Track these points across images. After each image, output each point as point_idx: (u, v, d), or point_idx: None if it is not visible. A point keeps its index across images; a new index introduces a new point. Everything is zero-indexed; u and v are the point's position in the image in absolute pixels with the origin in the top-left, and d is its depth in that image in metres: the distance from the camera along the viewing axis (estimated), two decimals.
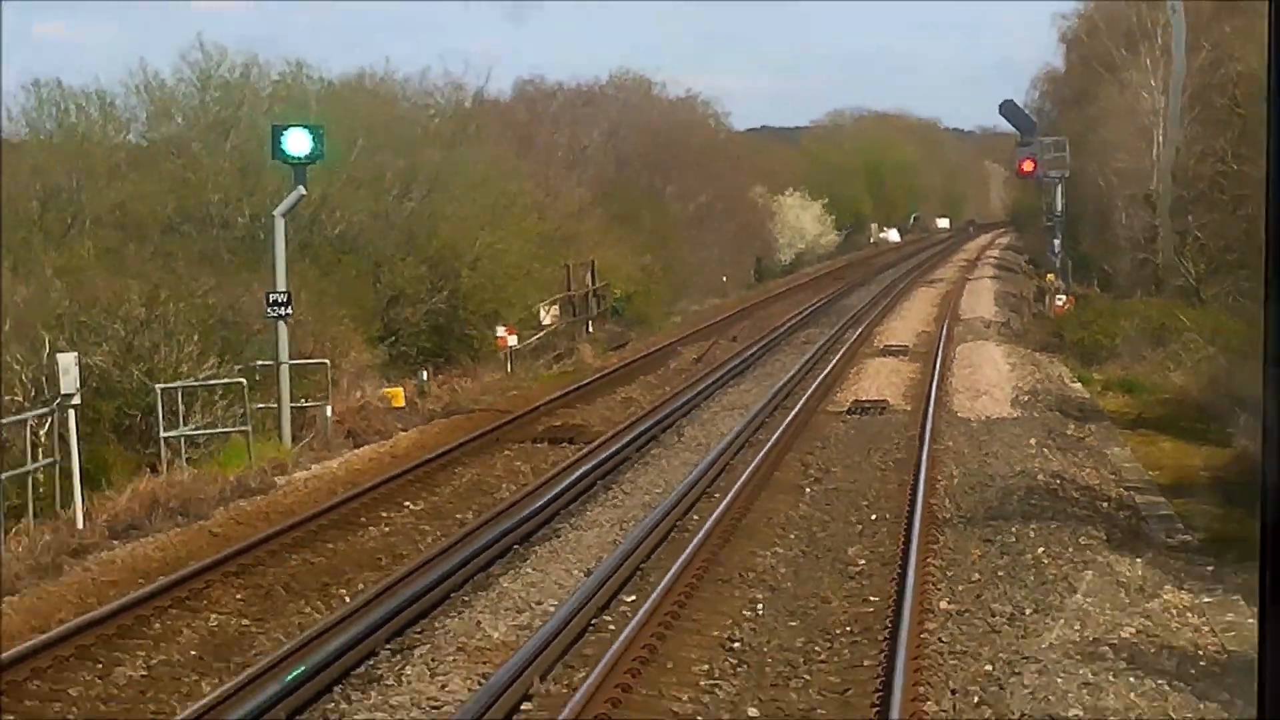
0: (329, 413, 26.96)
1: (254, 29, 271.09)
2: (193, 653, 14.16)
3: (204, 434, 24.49)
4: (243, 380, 24.49)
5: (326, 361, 27.46)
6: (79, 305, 26.20)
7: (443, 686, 12.23)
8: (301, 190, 26.76)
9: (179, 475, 22.32)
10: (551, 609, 14.31)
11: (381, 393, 29.57)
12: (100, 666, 13.68)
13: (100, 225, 34.77)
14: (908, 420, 26.68)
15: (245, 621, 15.16)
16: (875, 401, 28.96)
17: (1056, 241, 57.42)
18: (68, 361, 19.99)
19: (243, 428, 24.36)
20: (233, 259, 33.01)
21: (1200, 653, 12.91)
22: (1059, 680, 11.76)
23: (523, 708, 11.74)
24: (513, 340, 36.45)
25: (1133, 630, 13.39)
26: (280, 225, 26.45)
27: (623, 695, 11.85)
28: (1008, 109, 71.87)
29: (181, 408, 23.97)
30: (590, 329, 41.93)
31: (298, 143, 26.38)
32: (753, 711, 11.75)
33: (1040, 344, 39.43)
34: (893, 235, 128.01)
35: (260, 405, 25.87)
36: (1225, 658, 12.91)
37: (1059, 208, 57.06)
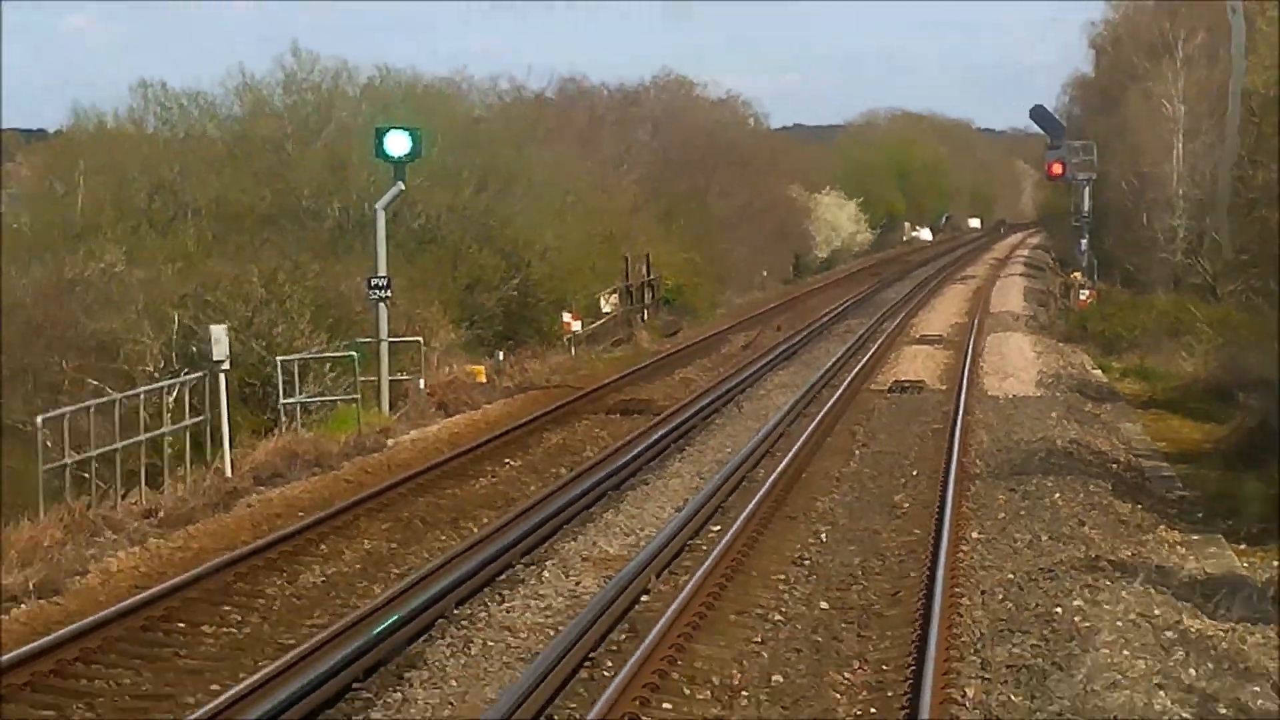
0: (422, 385, 30.13)
1: (255, 28, 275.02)
2: (357, 566, 17.29)
3: (316, 401, 27.61)
4: (354, 354, 27.63)
5: (420, 339, 30.65)
6: (203, 286, 29.41)
7: (577, 583, 15.38)
8: (401, 185, 29.91)
9: (299, 436, 25.48)
10: (653, 534, 17.42)
11: (466, 369, 32.72)
12: (286, 575, 16.81)
13: (200, 216, 38.04)
14: (942, 398, 29.74)
15: (393, 545, 18.28)
16: (913, 382, 32.03)
17: (1084, 241, 60.32)
18: (219, 332, 23.14)
19: (353, 396, 27.48)
20: (324, 248, 36.16)
21: (1182, 572, 15.94)
22: (1065, 583, 14.83)
23: (643, 599, 14.85)
24: (577, 326, 39.61)
25: (1128, 554, 16.44)
26: (381, 217, 29.56)
27: (720, 592, 14.95)
28: (1038, 113, 74.87)
29: (296, 379, 27.09)
30: (645, 317, 45.04)
31: (398, 143, 29.51)
32: (824, 604, 14.83)
33: (1064, 335, 42.44)
34: (925, 234, 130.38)
35: (360, 379, 29.00)
36: (1204, 577, 15.92)
37: (1086, 209, 60.01)
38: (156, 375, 27.61)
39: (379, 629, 13.85)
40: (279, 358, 26.96)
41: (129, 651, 14.02)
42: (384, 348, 29.13)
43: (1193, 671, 12.27)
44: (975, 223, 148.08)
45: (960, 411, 26.49)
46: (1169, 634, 13.24)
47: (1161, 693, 11.73)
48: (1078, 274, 56.32)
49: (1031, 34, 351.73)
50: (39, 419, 19.66)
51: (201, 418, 23.41)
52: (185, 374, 25.38)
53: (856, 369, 34.02)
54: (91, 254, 32.47)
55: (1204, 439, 26.05)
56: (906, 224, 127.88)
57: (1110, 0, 72.06)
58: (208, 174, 38.24)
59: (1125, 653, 12.74)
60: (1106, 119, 62.06)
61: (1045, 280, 64.67)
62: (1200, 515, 19.49)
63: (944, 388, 31.32)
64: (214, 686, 12.83)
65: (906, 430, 25.80)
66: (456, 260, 37.58)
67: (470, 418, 28.83)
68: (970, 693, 11.90)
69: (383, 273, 29.19)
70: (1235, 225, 45.60)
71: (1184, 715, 11.37)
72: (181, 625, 14.84)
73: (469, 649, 13.36)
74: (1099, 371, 35.86)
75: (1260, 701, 11.73)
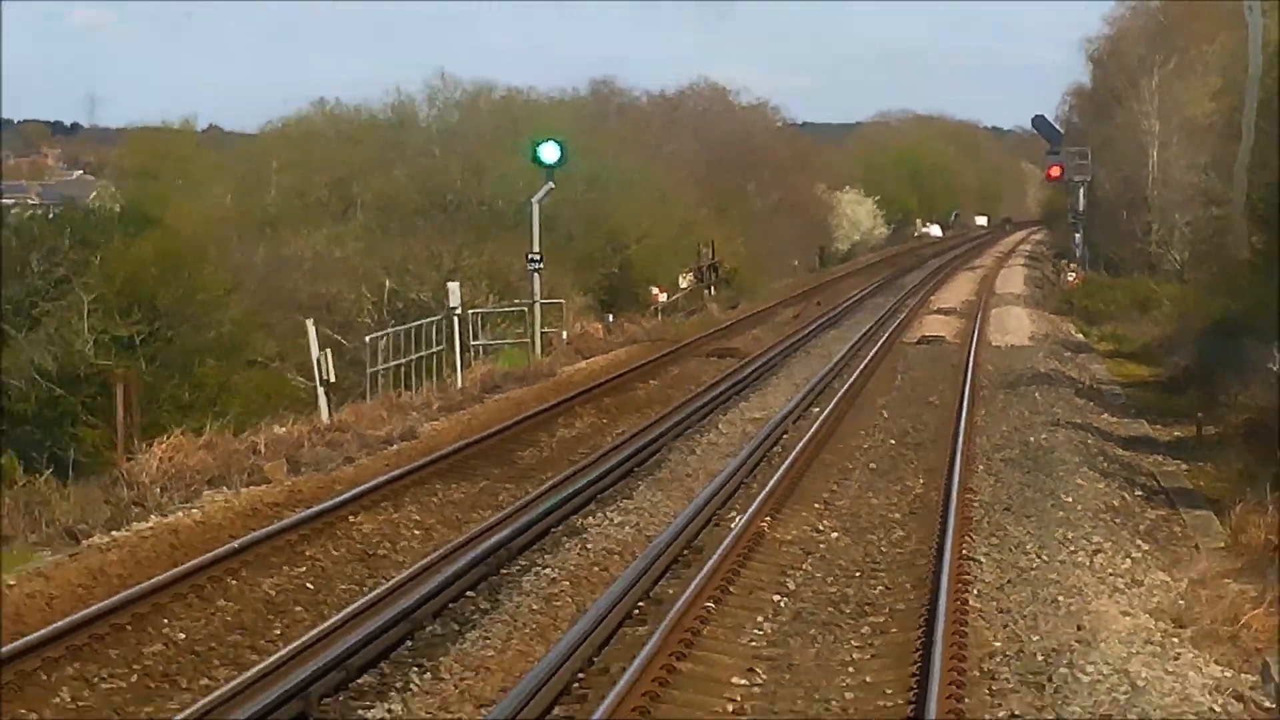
0: (565, 336, 39.89)
1: (256, 27, 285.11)
2: (588, 429, 26.94)
3: (492, 344, 37.33)
4: (524, 309, 37.41)
5: (563, 301, 40.43)
6: (405, 258, 39.21)
7: (742, 430, 25.14)
8: (551, 185, 39.61)
9: (490, 367, 35.15)
10: (778, 410, 27.13)
11: (589, 326, 42.48)
12: (546, 432, 26.41)
13: (367, 208, 47.85)
14: (958, 347, 39.47)
15: (604, 421, 27.94)
16: (936, 337, 41.79)
17: (1078, 235, 70.29)
18: (454, 288, 32.88)
19: (523, 340, 37.22)
20: (467, 234, 45.88)
21: (1111, 431, 25.69)
22: (1037, 430, 24.65)
23: (783, 437, 24.55)
24: (663, 297, 49.40)
25: (1079, 421, 26.20)
26: (536, 209, 39.25)
27: (829, 434, 24.64)
28: (1038, 122, 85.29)
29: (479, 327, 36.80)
30: (712, 292, 54.76)
31: (549, 152, 39.24)
32: (892, 442, 24.55)
33: (1055, 309, 52.21)
34: (934, 230, 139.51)
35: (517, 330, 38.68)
36: (1127, 434, 25.65)
37: (1081, 207, 69.92)
38: (371, 325, 37.40)
39: (629, 452, 23.48)
40: (470, 310, 36.69)
41: (481, 457, 23.56)
42: (538, 307, 38.88)
43: (1105, 456, 22.06)
44: (982, 220, 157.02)
45: (972, 353, 36.23)
46: (1095, 445, 23.03)
47: (1087, 468, 21.51)
48: (1074, 265, 66.12)
49: (1039, 32, 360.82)
50: (368, 338, 29.42)
51: (440, 347, 33.16)
52: (392, 325, 35.15)
53: (890, 329, 43.76)
54: (304, 236, 42.38)
55: (1148, 375, 35.75)
56: (918, 220, 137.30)
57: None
58: (372, 173, 48.05)
59: (1074, 461, 22.46)
60: (1100, 127, 71.69)
61: (1044, 269, 74.43)
62: (1133, 411, 29.19)
63: (958, 341, 41.05)
64: (527, 486, 21.99)
65: (933, 365, 35.58)
66: (570, 243, 47.25)
67: (604, 359, 38.50)
68: (982, 420, 21.65)
69: (537, 249, 38.95)
70: (1198, 221, 55.29)
71: (1093, 471, 21.11)
72: (504, 449, 24.44)
73: (695, 450, 23.16)
74: (1080, 335, 45.54)
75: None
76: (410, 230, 44.80)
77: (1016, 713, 11.52)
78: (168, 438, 22.76)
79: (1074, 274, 58.25)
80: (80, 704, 12.58)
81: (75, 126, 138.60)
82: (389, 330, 31.17)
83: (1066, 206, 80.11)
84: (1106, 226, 68.24)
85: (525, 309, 37.64)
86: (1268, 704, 12.35)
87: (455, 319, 33.17)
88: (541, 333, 39.13)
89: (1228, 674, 12.82)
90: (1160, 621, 14.18)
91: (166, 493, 20.40)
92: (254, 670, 12.81)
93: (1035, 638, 13.37)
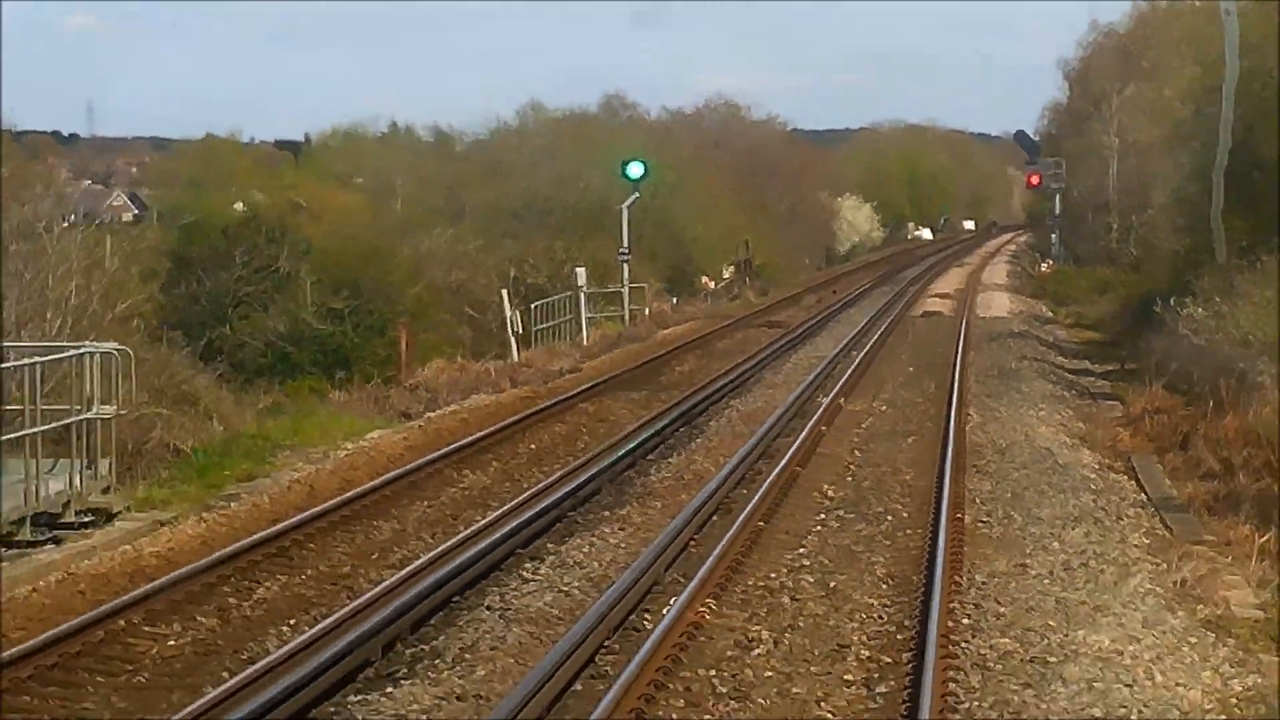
0: (646, 311, 51.30)
1: (255, 26, 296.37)
2: (696, 367, 38.20)
3: (594, 317, 48.67)
4: (622, 290, 48.76)
5: (645, 285, 51.82)
6: (524, 251, 50.55)
7: (809, 366, 36.56)
8: (637, 194, 51.01)
9: (597, 332, 46.47)
10: (825, 355, 38.49)
11: (662, 305, 53.88)
12: (670, 365, 37.68)
13: (474, 213, 59.21)
14: (953, 319, 50.92)
15: (705, 362, 39.22)
16: (935, 312, 53.28)
17: (1055, 235, 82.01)
18: (581, 271, 44.19)
19: (620, 313, 48.58)
20: (557, 233, 57.20)
21: (1062, 365, 37.14)
22: (1011, 364, 36.14)
23: (832, 370, 35.94)
24: (712, 285, 60.81)
25: (1040, 359, 37.65)
26: (625, 214, 50.64)
27: (864, 370, 36.02)
28: (1019, 137, 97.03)
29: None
30: (748, 282, 66.20)
31: (635, 169, 50.68)
32: (911, 369, 35.95)
33: (1031, 293, 63.75)
34: (926, 234, 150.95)
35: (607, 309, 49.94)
36: (1073, 368, 37.10)
37: (1058, 211, 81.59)
38: (496, 302, 48.71)
39: (735, 375, 34.76)
40: (581, 291, 48.00)
41: (632, 381, 34.74)
42: (627, 290, 50.27)
43: (1056, 376, 33.54)
44: (970, 224, 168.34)
45: (964, 322, 47.67)
46: (1049, 370, 34.52)
47: (1041, 380, 32.98)
48: (1050, 262, 77.72)
49: (1027, 40, 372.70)
50: (534, 305, 40.80)
51: (569, 316, 44.49)
52: (516, 303, 46.46)
53: (898, 308, 55.22)
54: (439, 234, 53.67)
55: (1097, 338, 47.20)
56: (911, 224, 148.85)
57: None
58: (478, 183, 59.46)
59: (1034, 376, 33.86)
60: (1073, 140, 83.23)
61: (1023, 263, 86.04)
62: (1080, 356, 40.63)
63: (953, 315, 52.50)
64: (674, 393, 33.32)
65: (935, 329, 47.03)
66: (640, 240, 58.59)
67: (680, 329, 49.82)
68: (973, 358, 33.12)
69: (625, 246, 50.36)
70: (1151, 220, 66.75)
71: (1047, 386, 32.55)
72: (645, 378, 35.68)
73: (779, 373, 34.59)
74: (1049, 312, 57.04)
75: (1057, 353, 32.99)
76: (510, 232, 56.14)
77: (992, 463, 22.89)
78: (425, 368, 34.18)
79: (1046, 265, 69.76)
80: (484, 477, 23.75)
81: (74, 136, 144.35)
82: (544, 300, 42.59)
83: (1046, 211, 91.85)
84: (1076, 226, 79.86)
85: (619, 290, 49.00)
86: (1126, 477, 23.61)
87: (582, 295, 44.51)
88: (629, 309, 50.55)
89: (1103, 459, 24.15)
90: (1073, 438, 25.59)
91: (449, 394, 31.74)
92: (572, 464, 24.05)
93: (1001, 440, 24.81)
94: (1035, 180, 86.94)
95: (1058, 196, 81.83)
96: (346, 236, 44.56)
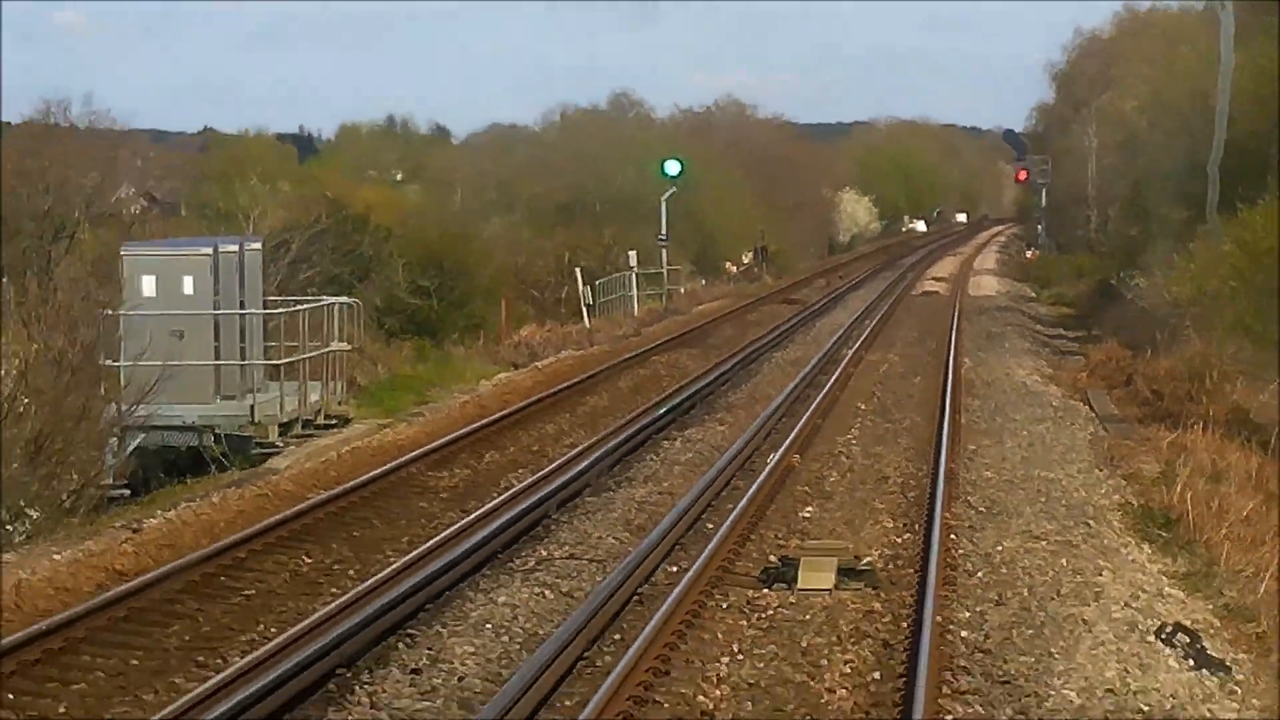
0: (682, 290, 59.01)
1: (246, 25, 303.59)
2: (735, 333, 45.88)
3: (638, 294, 56.33)
4: (662, 270, 56.44)
5: (680, 267, 59.52)
6: (576, 237, 58.19)
7: (835, 326, 44.31)
8: (673, 188, 58.67)
9: (641, 307, 54.14)
10: (843, 322, 46.22)
11: (694, 285, 61.58)
12: (711, 331, 45.39)
13: (522, 208, 66.84)
14: (948, 297, 58.68)
15: (741, 331, 46.90)
16: (932, 292, 61.08)
17: (1040, 226, 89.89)
18: (633, 254, 51.85)
19: (659, 292, 56.26)
20: (600, 223, 64.81)
21: (1040, 331, 44.91)
22: (996, 331, 43.90)
23: (855, 330, 43.67)
24: (733, 269, 68.52)
25: (1022, 329, 45.40)
26: (664, 206, 58.32)
27: (879, 332, 43.75)
28: (1008, 136, 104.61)
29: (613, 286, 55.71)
30: (765, 267, 73.91)
31: (673, 166, 58.41)
32: (915, 334, 43.68)
33: (1017, 277, 71.59)
34: (920, 226, 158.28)
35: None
36: (1049, 333, 44.85)
37: (1044, 204, 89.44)
38: (554, 283, 56.44)
39: (771, 338, 42.42)
40: (627, 273, 55.67)
41: (688, 343, 42.34)
42: (665, 271, 57.98)
43: (1034, 338, 41.35)
44: (962, 217, 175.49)
45: (958, 300, 55.41)
46: (1029, 333, 42.31)
47: (1021, 339, 40.76)
48: (1035, 251, 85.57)
49: (1018, 34, 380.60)
50: (597, 282, 48.45)
51: (620, 293, 52.17)
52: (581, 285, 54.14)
53: (899, 289, 62.97)
54: (492, 224, 61.32)
55: (1071, 313, 54.99)
56: (906, 217, 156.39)
57: None
58: (528, 178, 67.10)
59: (1016, 339, 41.61)
60: (1058, 138, 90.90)
61: (1012, 253, 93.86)
62: (1056, 325, 48.37)
63: (948, 295, 60.27)
64: (724, 352, 40.91)
65: (933, 304, 54.82)
66: (673, 229, 66.24)
67: (712, 305, 57.48)
68: (966, 325, 40.91)
69: (664, 233, 58.06)
70: (1122, 213, 74.56)
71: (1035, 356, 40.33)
72: (697, 340, 43.29)
73: (809, 335, 42.33)
74: (1032, 293, 64.85)
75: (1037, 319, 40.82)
76: (558, 222, 63.75)
77: (980, 391, 30.60)
78: (521, 330, 41.91)
79: (1031, 252, 77.62)
80: (601, 400, 31.33)
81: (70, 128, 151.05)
82: (604, 279, 50.30)
83: (1034, 205, 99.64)
84: (1060, 218, 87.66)
85: (659, 271, 56.65)
86: (1082, 403, 31.24)
87: (633, 274, 52.19)
88: (668, 288, 58.24)
89: (1065, 392, 31.81)
90: (1043, 379, 33.32)
91: (544, 350, 39.39)
92: (666, 392, 31.65)
93: (988, 378, 32.58)
94: (1023, 176, 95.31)
95: (1044, 191, 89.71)
96: (428, 224, 52.13)
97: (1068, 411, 28.64)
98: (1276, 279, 31.59)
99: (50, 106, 58.06)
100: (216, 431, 25.10)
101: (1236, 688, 12.63)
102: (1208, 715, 11.90)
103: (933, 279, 70.62)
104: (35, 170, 51.67)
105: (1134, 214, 47.25)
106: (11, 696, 12.46)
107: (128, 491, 23.41)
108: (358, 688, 12.14)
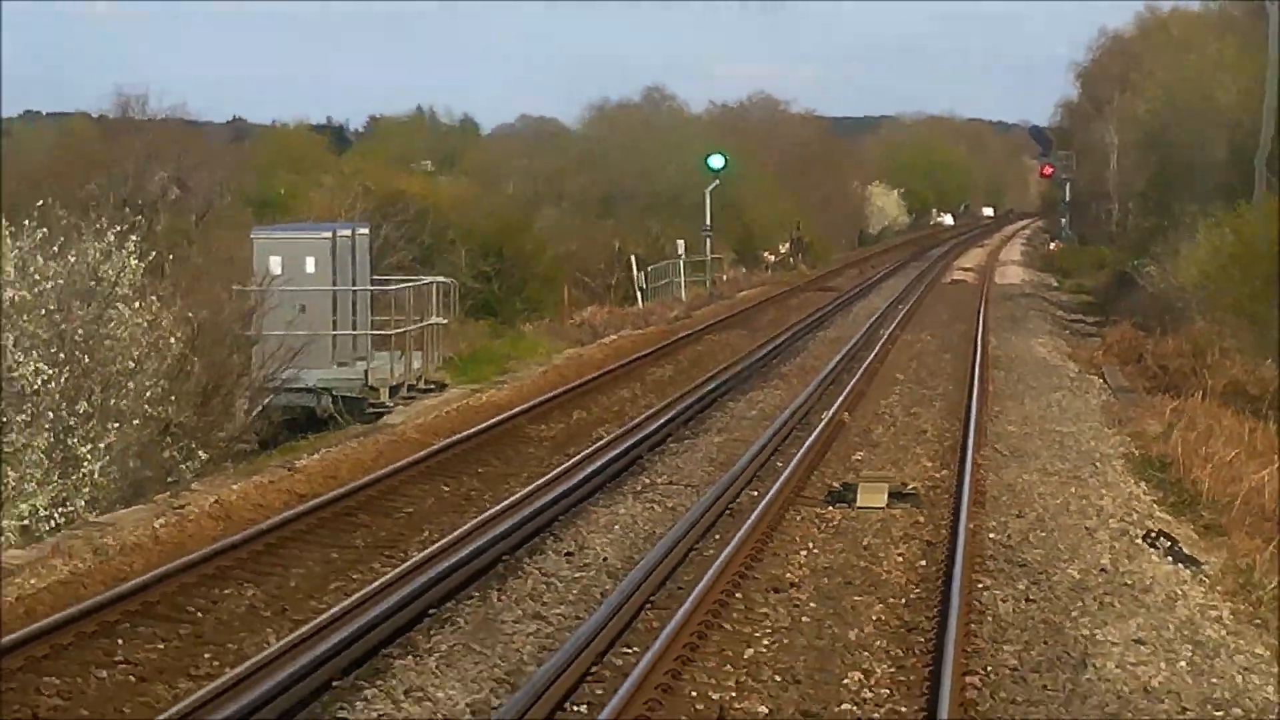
0: (725, 277, 62.59)
1: (248, 26, 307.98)
2: (779, 316, 49.43)
3: (685, 280, 59.91)
4: (706, 258, 60.04)
5: (721, 256, 63.09)
6: (625, 227, 61.78)
7: (872, 308, 47.90)
8: (717, 181, 62.22)
9: (689, 292, 57.71)
10: (880, 306, 49.79)
11: (735, 273, 65.16)
12: (760, 316, 48.90)
13: (569, 199, 70.45)
14: (976, 285, 62.18)
15: (784, 314, 50.46)
16: (960, 280, 64.61)
17: (1064, 220, 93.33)
18: (681, 243, 55.44)
19: (704, 279, 59.85)
20: (644, 215, 68.39)
21: (1061, 315, 48.43)
22: (1018, 312, 47.45)
23: (891, 312, 47.22)
24: (771, 258, 72.09)
25: (1044, 312, 48.93)
26: (708, 198, 61.88)
27: (914, 313, 47.29)
28: (1034, 131, 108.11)
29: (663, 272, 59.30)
30: (801, 257, 77.47)
31: (716, 160, 61.97)
32: (946, 316, 47.25)
33: (1040, 267, 75.07)
34: (947, 219, 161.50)
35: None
36: (1069, 317, 48.38)
37: (1067, 199, 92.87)
38: (604, 269, 60.04)
39: (815, 319, 45.97)
40: (674, 260, 59.23)
41: (737, 324, 45.89)
42: (709, 260, 61.58)
43: (1055, 321, 44.87)
44: (988, 211, 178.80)
45: (985, 287, 58.93)
46: (1050, 317, 45.83)
47: (1043, 321, 44.32)
48: (1058, 243, 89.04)
49: (1044, 29, 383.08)
50: (649, 268, 52.09)
51: (668, 279, 55.75)
52: (635, 271, 57.75)
53: (929, 277, 66.51)
54: (542, 215, 64.95)
55: (1091, 300, 58.46)
56: (934, 210, 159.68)
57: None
58: (573, 171, 70.73)
59: (1038, 322, 45.13)
60: (1081, 135, 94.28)
61: (1036, 246, 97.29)
62: (1076, 310, 51.85)
63: (976, 283, 63.77)
64: (770, 334, 44.49)
65: (961, 291, 58.36)
66: (714, 220, 69.78)
67: (754, 291, 60.99)
68: (992, 310, 44.47)
69: (708, 224, 61.65)
70: (1140, 207, 77.94)
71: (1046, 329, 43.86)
72: (745, 323, 46.83)
73: (849, 317, 45.91)
74: (1055, 282, 68.29)
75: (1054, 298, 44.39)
76: (605, 213, 67.37)
77: (1004, 364, 34.15)
78: (583, 311, 45.54)
79: (1054, 244, 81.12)
80: (666, 371, 34.90)
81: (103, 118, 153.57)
82: (655, 265, 53.89)
83: (1058, 199, 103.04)
84: (1083, 212, 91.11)
85: (703, 260, 60.25)
86: (1096, 376, 34.76)
87: (681, 262, 55.78)
88: (711, 275, 61.82)
89: (1082, 367, 35.32)
90: (1062, 356, 36.84)
91: (604, 329, 42.98)
92: (723, 364, 35.21)
93: (1012, 353, 36.13)
94: (1048, 171, 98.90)
95: (1067, 185, 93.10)
96: (484, 214, 55.82)
97: (1083, 383, 32.13)
98: (1275, 266, 35.10)
99: (129, 100, 61.95)
100: (334, 393, 28.85)
101: (1205, 577, 16.17)
102: (1178, 593, 15.44)
103: (961, 269, 74.12)
104: (112, 159, 55.75)
105: (1150, 208, 50.66)
106: (259, 568, 16.16)
107: (257, 445, 27.11)
108: (527, 564, 15.77)
